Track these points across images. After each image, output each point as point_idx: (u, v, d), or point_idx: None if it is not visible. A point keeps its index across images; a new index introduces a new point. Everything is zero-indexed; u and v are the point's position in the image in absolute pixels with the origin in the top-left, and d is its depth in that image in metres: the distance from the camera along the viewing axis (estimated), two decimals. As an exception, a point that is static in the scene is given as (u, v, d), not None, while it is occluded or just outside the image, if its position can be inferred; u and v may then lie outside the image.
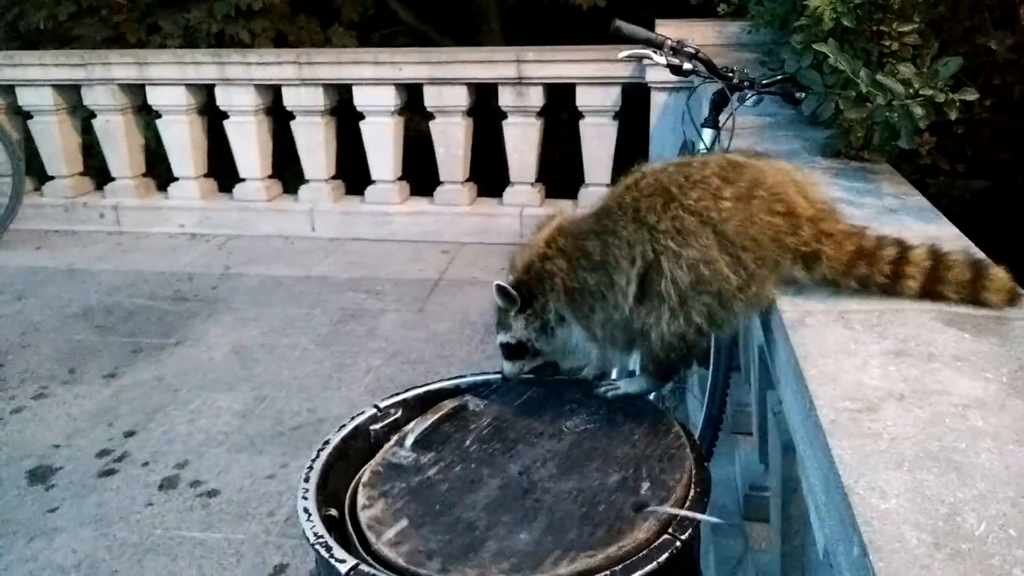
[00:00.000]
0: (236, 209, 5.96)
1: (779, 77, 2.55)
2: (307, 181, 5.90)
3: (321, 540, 1.25)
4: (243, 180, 5.95)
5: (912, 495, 0.92)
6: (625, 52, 2.83)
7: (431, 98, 5.50)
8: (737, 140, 2.50)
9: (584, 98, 5.31)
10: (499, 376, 1.67)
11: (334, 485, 1.43)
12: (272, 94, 5.80)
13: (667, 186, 1.44)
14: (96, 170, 6.33)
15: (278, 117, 5.90)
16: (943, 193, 2.60)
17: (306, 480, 1.40)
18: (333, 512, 1.37)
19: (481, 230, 5.59)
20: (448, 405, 1.60)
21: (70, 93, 6.03)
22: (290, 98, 5.69)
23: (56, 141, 6.08)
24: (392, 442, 1.52)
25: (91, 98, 5.95)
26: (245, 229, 5.89)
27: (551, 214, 1.65)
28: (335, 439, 1.52)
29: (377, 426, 1.57)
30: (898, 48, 2.20)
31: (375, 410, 1.60)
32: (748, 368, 2.69)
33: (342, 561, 1.20)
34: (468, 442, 1.51)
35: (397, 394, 1.65)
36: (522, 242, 1.65)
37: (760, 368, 2.13)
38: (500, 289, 1.56)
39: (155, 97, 5.87)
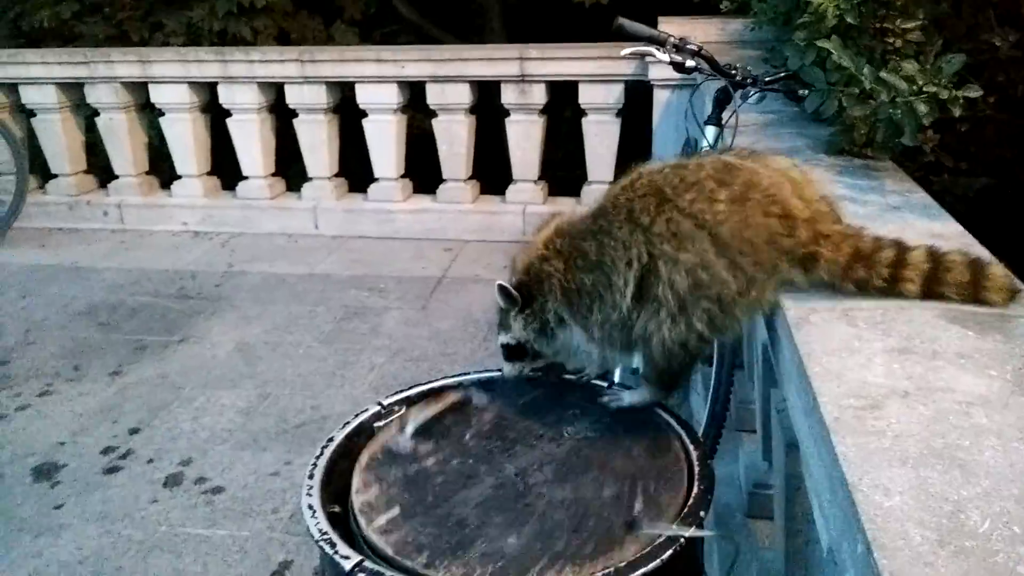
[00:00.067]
0: (239, 207, 5.96)
1: (782, 74, 2.55)
2: (310, 179, 5.90)
3: (325, 536, 1.25)
4: (246, 178, 5.96)
5: (916, 492, 0.92)
6: (628, 49, 2.83)
7: (434, 96, 5.50)
8: (740, 137, 2.50)
9: (587, 96, 5.30)
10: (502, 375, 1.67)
11: (338, 482, 1.43)
12: (275, 92, 5.80)
13: (661, 187, 1.44)
14: (99, 168, 6.33)
15: (281, 115, 5.90)
16: (947, 190, 2.60)
17: (310, 477, 1.40)
18: (337, 509, 1.37)
19: (484, 228, 5.58)
20: (452, 397, 1.61)
21: (73, 91, 6.03)
22: (293, 96, 5.69)
23: (59, 139, 6.08)
24: (393, 427, 1.53)
25: (94, 96, 5.96)
26: (248, 227, 5.90)
27: (551, 214, 1.66)
28: (339, 436, 1.52)
29: (381, 423, 1.57)
30: (901, 45, 2.20)
31: (379, 407, 1.61)
32: (752, 366, 2.69)
33: (346, 558, 1.20)
34: (468, 436, 1.51)
35: (401, 391, 1.66)
36: (524, 241, 1.66)
37: (764, 366, 2.13)
38: (502, 289, 1.57)
39: (158, 95, 5.87)
